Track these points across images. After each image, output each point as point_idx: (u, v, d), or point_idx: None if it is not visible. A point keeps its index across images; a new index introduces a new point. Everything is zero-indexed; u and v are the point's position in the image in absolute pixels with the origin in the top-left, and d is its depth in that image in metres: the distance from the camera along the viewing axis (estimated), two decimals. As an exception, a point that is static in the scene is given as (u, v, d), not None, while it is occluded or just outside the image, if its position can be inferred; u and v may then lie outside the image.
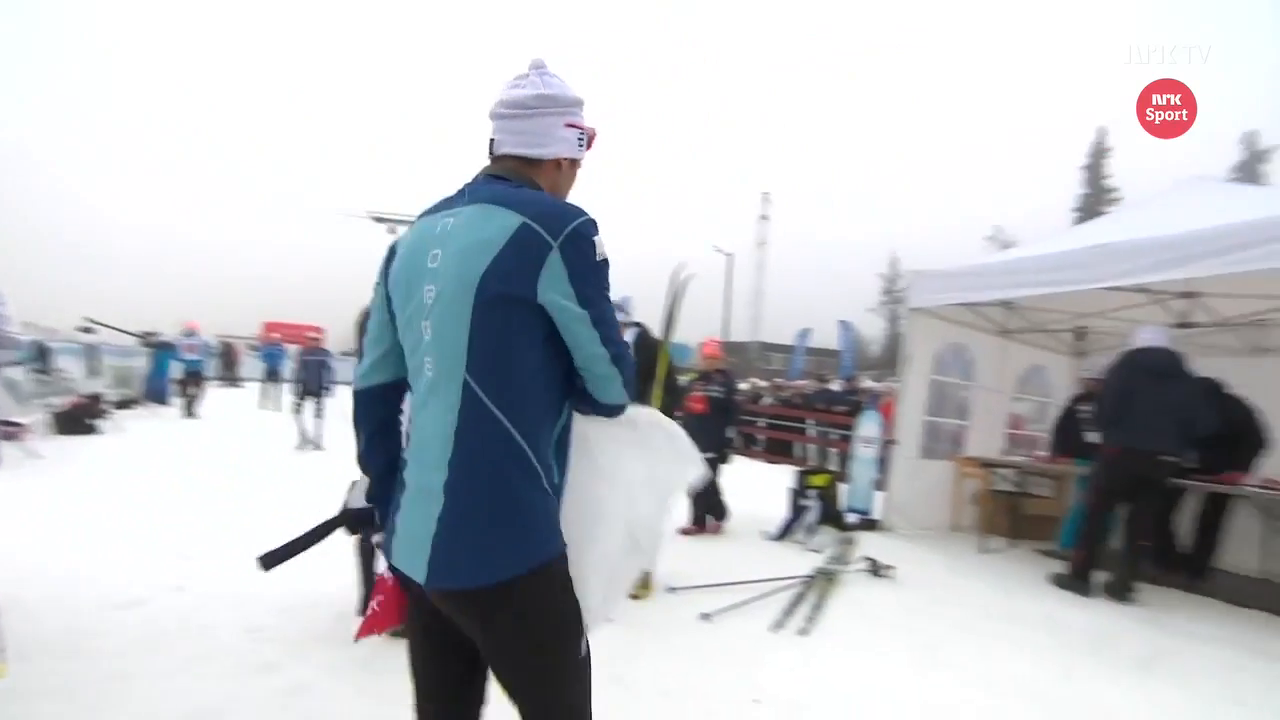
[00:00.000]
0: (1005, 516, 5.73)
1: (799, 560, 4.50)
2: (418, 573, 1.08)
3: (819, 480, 5.31)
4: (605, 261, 1.11)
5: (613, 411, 1.20)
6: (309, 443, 8.18)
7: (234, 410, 12.40)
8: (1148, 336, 4.09)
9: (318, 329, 9.39)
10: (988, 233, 39.66)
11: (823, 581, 3.92)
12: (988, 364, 6.21)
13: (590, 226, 1.08)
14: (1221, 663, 3.21)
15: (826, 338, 25.42)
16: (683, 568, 4.10)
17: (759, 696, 2.52)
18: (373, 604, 1.32)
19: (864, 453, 5.79)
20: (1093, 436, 5.04)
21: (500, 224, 1.05)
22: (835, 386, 11.45)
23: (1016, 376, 6.58)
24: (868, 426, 5.79)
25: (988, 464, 5.35)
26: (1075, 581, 4.15)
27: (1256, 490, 4.05)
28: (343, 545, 3.12)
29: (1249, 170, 31.51)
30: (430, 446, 1.09)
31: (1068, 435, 5.27)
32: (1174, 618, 3.82)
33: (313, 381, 8.39)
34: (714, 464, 5.34)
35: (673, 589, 3.76)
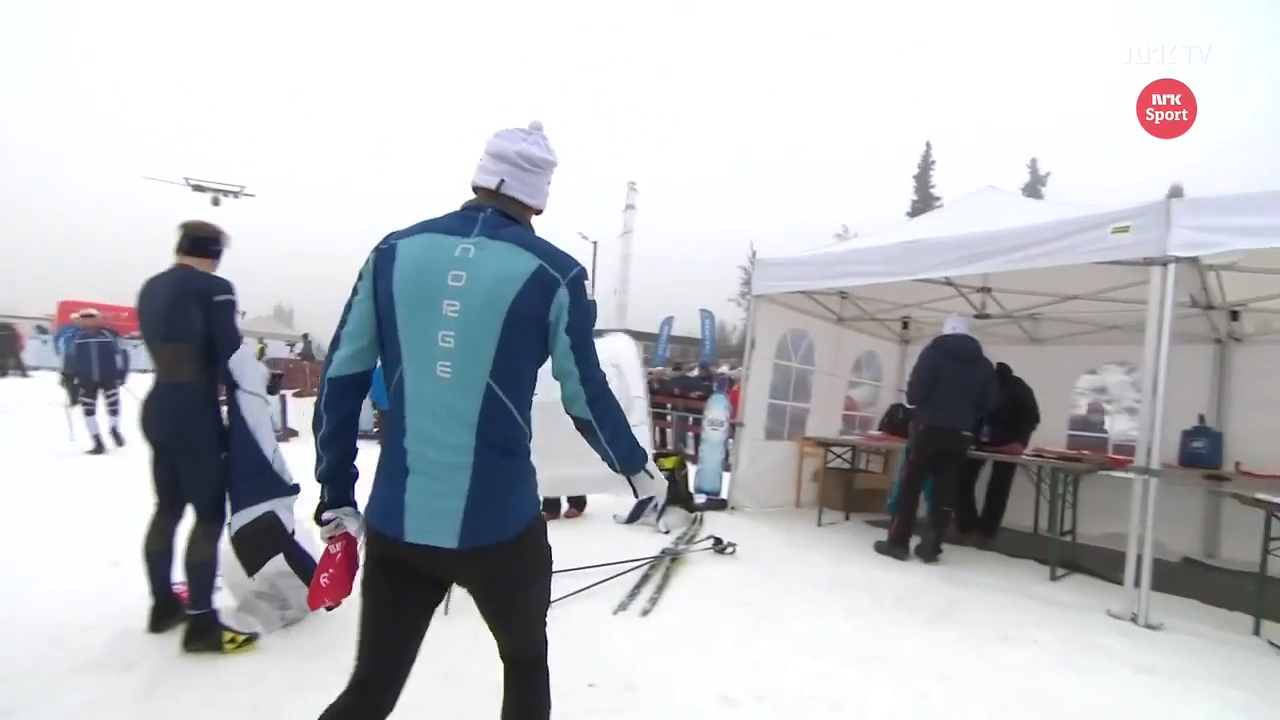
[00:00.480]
0: (841, 492, 6.24)
1: (648, 542, 4.57)
2: (446, 540, 1.30)
3: (668, 463, 5.45)
4: (593, 302, 1.43)
5: (577, 422, 1.47)
6: (101, 444, 7.05)
7: (14, 404, 10.46)
8: (953, 324, 4.60)
9: (111, 308, 8.07)
10: (837, 230, 43.00)
11: (668, 562, 4.01)
12: (825, 349, 6.70)
13: (584, 273, 1.40)
14: (999, 607, 3.72)
15: (690, 326, 26.26)
16: (532, 557, 4.02)
17: (595, 680, 2.51)
18: (322, 577, 1.45)
19: (712, 435, 6.03)
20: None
21: (523, 264, 1.32)
22: (693, 373, 11.87)
23: (851, 361, 7.17)
24: (716, 410, 6.04)
25: (824, 444, 5.78)
26: (894, 547, 4.60)
27: (1030, 459, 4.71)
28: (134, 556, 2.72)
29: (1032, 190, 37.07)
30: (447, 433, 1.31)
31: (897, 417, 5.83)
32: (969, 572, 4.35)
33: (92, 370, 7.13)
34: None
35: (520, 579, 3.67)
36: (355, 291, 1.40)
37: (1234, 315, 5.64)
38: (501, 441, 1.34)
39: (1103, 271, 5.08)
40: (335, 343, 1.41)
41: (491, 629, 1.49)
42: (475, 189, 1.44)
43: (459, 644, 2.47)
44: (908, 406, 5.09)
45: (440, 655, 1.64)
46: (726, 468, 6.16)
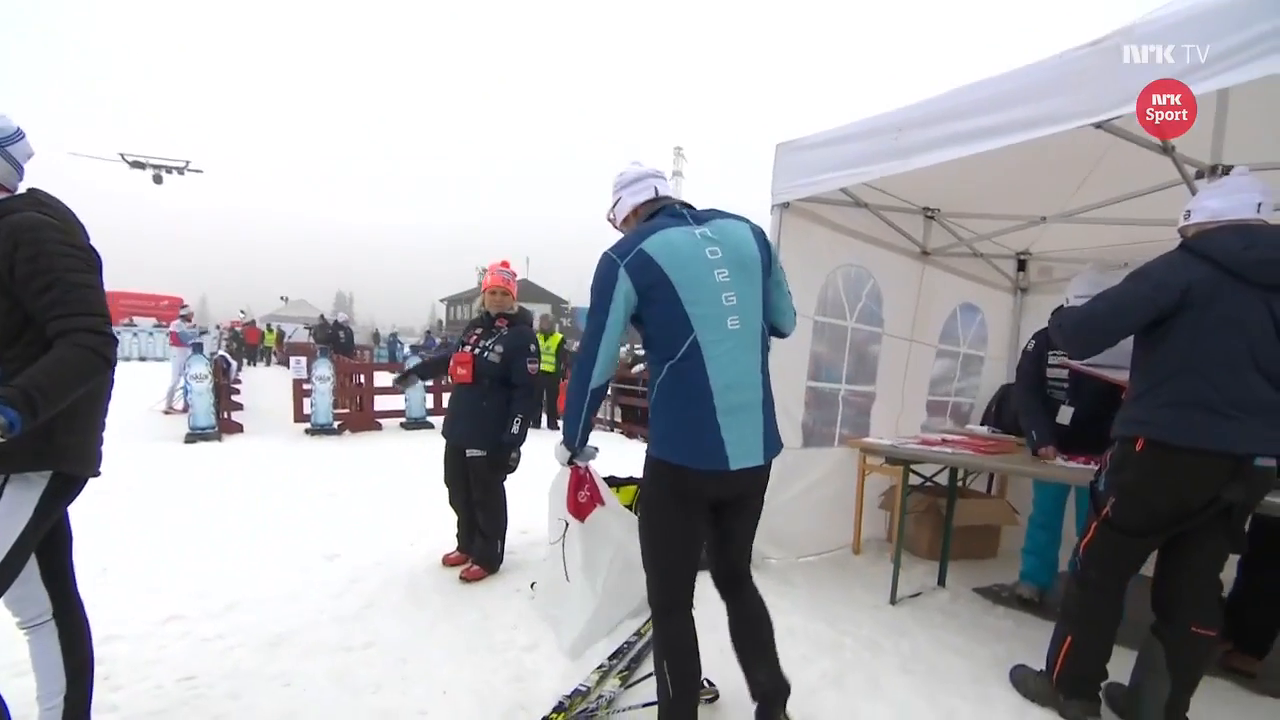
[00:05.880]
0: (930, 531, 3.81)
1: (550, 666, 2.34)
2: (755, 460, 1.70)
3: (624, 495, 3.15)
4: None
5: (788, 334, 1.98)
6: None
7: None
8: (1229, 197, 1.96)
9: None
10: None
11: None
12: (901, 300, 4.20)
13: None
14: None
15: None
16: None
17: None
18: (582, 495, 2.11)
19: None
20: (1064, 416, 3.09)
21: (743, 227, 1.77)
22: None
23: (942, 320, 4.62)
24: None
25: (899, 460, 3.32)
26: (1066, 699, 2.15)
27: None
28: None
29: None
30: (745, 373, 1.69)
31: (1029, 401, 3.24)
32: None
33: None
34: (488, 467, 3.32)
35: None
36: (606, 314, 1.68)
37: (1021, 265, 4.82)
38: (767, 371, 1.77)
39: None
40: (591, 360, 1.73)
41: (732, 546, 1.88)
42: (638, 208, 1.88)
43: None
44: (1070, 361, 2.61)
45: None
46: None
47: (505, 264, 3.60)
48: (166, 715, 2.14)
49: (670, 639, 1.79)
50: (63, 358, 1.41)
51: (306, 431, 8.22)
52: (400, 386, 3.69)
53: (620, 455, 6.05)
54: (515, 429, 3.23)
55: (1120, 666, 2.18)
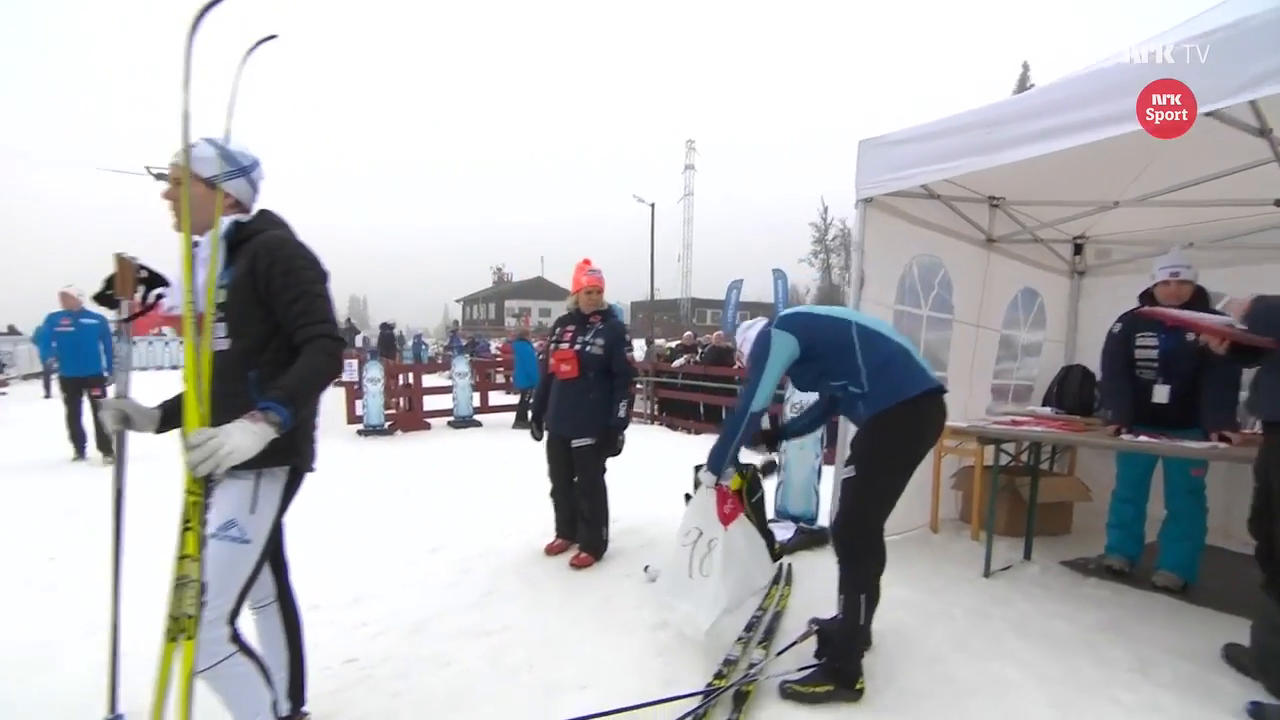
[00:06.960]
0: (1010, 509, 3.94)
1: (684, 651, 2.50)
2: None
3: (733, 482, 3.31)
4: None
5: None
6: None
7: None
8: None
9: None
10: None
11: (725, 710, 1.95)
12: (968, 287, 4.31)
13: None
14: None
15: (760, 290, 23.73)
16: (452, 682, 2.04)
17: None
18: (728, 506, 2.49)
19: (802, 430, 3.79)
20: (1161, 394, 3.17)
21: None
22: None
23: (1005, 305, 4.72)
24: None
25: (989, 439, 3.45)
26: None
27: None
28: None
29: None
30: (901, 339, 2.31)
31: (1115, 381, 3.33)
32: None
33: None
34: (595, 455, 3.52)
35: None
36: (766, 363, 2.30)
37: (1078, 249, 4.93)
38: None
39: None
40: (753, 392, 2.31)
41: None
42: None
43: None
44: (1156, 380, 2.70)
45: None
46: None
47: (588, 261, 3.75)
48: (346, 694, 2.31)
49: (870, 576, 2.17)
50: (312, 363, 1.57)
51: (359, 432, 8.44)
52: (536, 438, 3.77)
53: (676, 445, 6.14)
54: (621, 412, 3.43)
55: (1226, 631, 2.32)
